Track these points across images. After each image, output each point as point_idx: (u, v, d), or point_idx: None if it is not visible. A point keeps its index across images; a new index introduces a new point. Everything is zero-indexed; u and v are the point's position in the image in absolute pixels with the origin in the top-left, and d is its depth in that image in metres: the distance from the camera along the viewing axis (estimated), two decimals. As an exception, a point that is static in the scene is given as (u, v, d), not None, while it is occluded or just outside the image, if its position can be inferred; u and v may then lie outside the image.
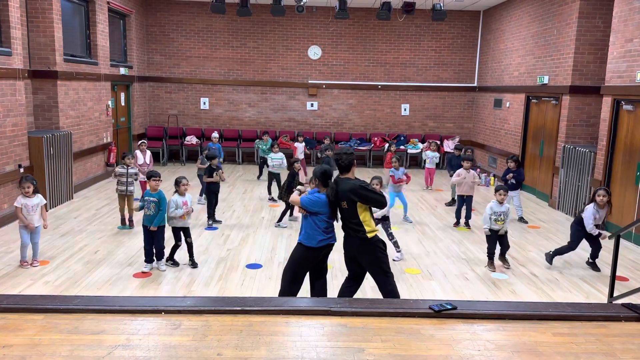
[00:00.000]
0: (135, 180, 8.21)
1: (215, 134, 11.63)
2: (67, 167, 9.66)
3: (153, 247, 6.37)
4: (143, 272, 6.28)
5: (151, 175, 6.40)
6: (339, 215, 4.95)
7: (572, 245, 6.82)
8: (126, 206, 8.13)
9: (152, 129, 14.79)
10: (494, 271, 6.70)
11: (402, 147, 14.69)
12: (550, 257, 6.95)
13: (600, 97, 9.16)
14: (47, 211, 6.64)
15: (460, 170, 8.69)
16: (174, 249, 6.55)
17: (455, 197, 9.40)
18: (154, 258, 6.42)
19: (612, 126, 8.62)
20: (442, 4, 11.73)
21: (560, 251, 6.91)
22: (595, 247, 6.84)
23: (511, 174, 8.95)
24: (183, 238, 6.53)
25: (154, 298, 5.03)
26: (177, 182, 6.47)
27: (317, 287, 5.04)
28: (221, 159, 10.86)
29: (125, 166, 8.09)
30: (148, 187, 6.45)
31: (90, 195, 10.28)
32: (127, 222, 8.20)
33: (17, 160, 8.34)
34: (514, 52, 12.57)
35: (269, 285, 6.00)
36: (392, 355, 3.45)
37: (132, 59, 13.76)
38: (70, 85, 10.13)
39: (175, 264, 6.53)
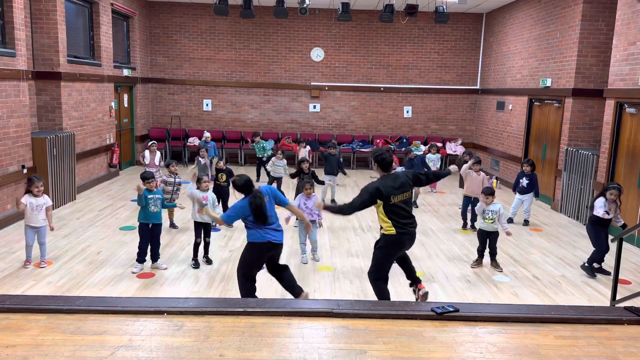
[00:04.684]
0: (178, 189, 8.16)
1: (207, 134, 12.13)
2: (70, 168, 9.68)
3: (148, 247, 6.43)
4: (136, 271, 6.31)
5: (148, 177, 6.46)
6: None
7: (600, 248, 6.65)
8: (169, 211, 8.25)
9: (155, 130, 14.83)
10: (477, 267, 6.83)
11: (403, 149, 14.66)
12: (589, 270, 6.73)
13: (603, 100, 9.15)
14: (51, 211, 6.66)
15: (471, 171, 8.78)
16: (196, 248, 6.66)
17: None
18: (149, 258, 6.49)
19: (615, 129, 8.61)
20: (444, 7, 11.75)
21: (594, 259, 6.74)
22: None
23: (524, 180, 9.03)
24: (202, 236, 6.67)
25: (157, 299, 5.03)
26: (199, 180, 6.73)
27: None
28: (215, 158, 10.93)
29: (173, 175, 8.05)
30: (145, 188, 6.40)
31: (93, 196, 10.30)
32: (171, 225, 8.29)
33: (21, 161, 8.37)
34: (517, 55, 12.57)
35: (270, 286, 6.00)
36: (394, 358, 3.45)
37: (135, 60, 13.80)
38: (74, 86, 10.17)
39: (197, 264, 6.60)
